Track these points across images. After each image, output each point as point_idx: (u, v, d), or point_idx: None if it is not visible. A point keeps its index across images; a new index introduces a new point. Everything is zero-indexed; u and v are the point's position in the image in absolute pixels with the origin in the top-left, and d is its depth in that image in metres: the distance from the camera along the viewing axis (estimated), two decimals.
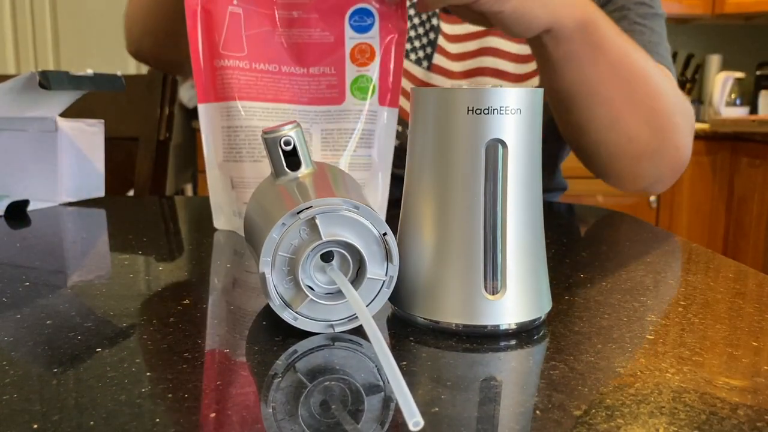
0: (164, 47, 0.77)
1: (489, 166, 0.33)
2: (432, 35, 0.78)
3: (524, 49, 0.77)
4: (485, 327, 0.33)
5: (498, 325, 0.33)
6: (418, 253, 0.34)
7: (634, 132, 0.63)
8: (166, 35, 0.73)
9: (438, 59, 0.78)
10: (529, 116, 0.33)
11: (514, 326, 0.33)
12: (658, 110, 0.63)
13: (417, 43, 0.78)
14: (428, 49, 0.78)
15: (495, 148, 0.33)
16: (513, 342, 0.33)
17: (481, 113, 0.32)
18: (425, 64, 0.78)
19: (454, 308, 0.33)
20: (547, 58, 0.58)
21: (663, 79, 0.64)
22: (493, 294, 0.33)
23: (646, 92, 0.63)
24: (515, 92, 0.32)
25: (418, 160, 0.35)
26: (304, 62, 0.56)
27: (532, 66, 0.77)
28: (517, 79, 0.78)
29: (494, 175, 0.33)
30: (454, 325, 0.33)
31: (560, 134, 0.69)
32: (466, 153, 0.33)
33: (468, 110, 0.32)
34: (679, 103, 0.66)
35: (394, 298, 0.36)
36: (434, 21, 0.78)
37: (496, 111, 0.32)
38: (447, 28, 0.79)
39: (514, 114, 0.32)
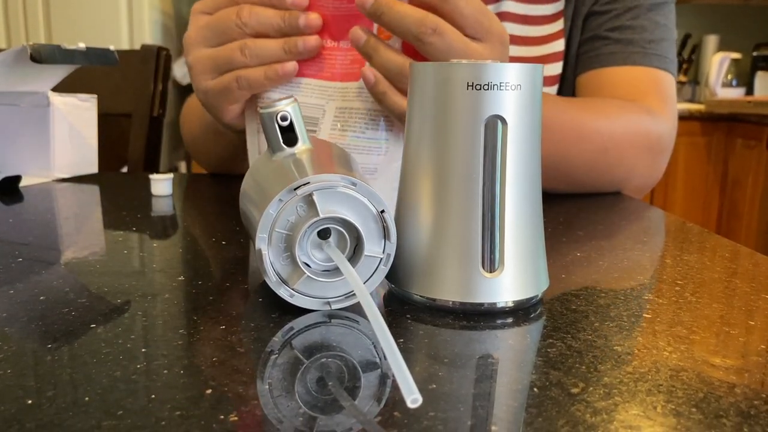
0: (220, 166, 0.79)
1: (488, 142, 0.32)
2: None
3: (532, 9, 0.74)
4: (482, 305, 0.33)
5: (495, 303, 0.33)
6: (415, 231, 0.34)
7: (590, 187, 0.69)
8: (225, 159, 0.74)
9: None
10: (530, 92, 0.32)
11: (511, 304, 0.33)
12: (609, 166, 0.68)
13: None
14: None
15: (494, 124, 0.32)
16: (510, 320, 0.33)
17: (480, 89, 0.32)
18: None
19: (451, 286, 0.33)
20: None
21: (615, 123, 0.67)
22: (491, 272, 0.33)
23: (595, 157, 0.66)
24: (515, 68, 0.32)
25: (416, 137, 0.34)
26: (336, 36, 0.53)
27: (542, 30, 0.74)
28: (524, 42, 0.75)
29: (493, 152, 0.32)
30: (451, 302, 0.33)
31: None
32: (464, 129, 0.32)
33: (467, 86, 0.32)
34: (638, 141, 0.69)
35: (391, 276, 0.35)
36: None
37: (495, 87, 0.32)
38: None
39: (514, 90, 0.32)
